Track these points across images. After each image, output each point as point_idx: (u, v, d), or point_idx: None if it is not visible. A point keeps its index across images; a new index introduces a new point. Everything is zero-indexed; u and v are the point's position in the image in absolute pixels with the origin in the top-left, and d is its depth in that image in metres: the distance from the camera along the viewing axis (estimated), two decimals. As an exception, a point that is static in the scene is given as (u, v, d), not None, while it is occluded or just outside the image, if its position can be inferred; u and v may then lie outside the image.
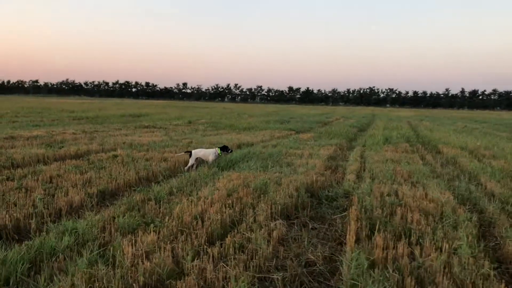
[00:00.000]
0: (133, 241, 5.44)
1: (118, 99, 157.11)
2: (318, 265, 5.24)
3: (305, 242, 5.93)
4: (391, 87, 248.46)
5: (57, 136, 18.17)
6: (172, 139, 18.98)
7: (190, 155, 11.77)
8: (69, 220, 7.09)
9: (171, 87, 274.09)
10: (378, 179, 10.62)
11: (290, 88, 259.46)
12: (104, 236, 5.74)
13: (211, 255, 5.06)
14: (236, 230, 6.01)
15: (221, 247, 5.36)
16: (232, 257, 5.08)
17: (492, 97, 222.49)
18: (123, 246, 5.19)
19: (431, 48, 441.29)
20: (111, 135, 19.88)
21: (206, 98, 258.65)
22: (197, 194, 8.10)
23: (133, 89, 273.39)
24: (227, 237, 5.71)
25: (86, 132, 20.84)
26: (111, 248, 5.19)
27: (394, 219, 6.73)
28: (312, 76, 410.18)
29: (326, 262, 5.38)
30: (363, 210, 7.16)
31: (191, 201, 7.27)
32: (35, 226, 6.36)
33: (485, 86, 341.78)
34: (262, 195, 7.99)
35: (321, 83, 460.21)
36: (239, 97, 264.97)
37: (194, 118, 39.15)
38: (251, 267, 4.83)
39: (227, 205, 7.10)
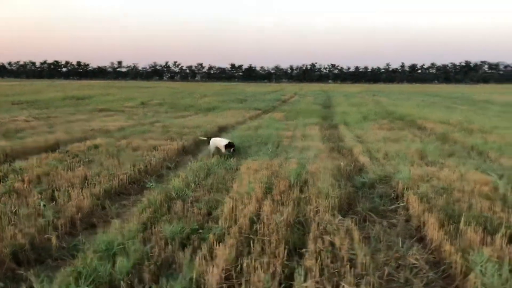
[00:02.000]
0: (207, 256, 4.53)
1: (48, 80, 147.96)
2: (424, 271, 4.58)
3: (383, 241, 5.26)
4: (332, 63, 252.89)
5: (9, 124, 16.36)
6: (141, 123, 17.68)
7: (209, 142, 11.63)
8: (85, 229, 6.07)
9: (105, 66, 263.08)
10: (394, 161, 10.18)
11: (232, 65, 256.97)
12: (165, 253, 4.76)
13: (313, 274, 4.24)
14: (309, 234, 5.21)
15: (312, 259, 4.54)
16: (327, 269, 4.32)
17: (430, 71, 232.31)
18: (203, 268, 4.27)
19: (372, 24, 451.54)
20: (69, 121, 18.22)
21: (143, 77, 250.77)
22: (230, 189, 7.25)
23: (63, 69, 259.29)
24: (306, 244, 4.93)
25: (39, 119, 19.00)
26: (193, 271, 4.22)
27: (462, 207, 6.21)
28: (254, 53, 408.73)
29: (431, 266, 4.73)
30: (420, 198, 6.61)
31: (235, 199, 6.37)
32: (56, 242, 5.24)
33: (423, 60, 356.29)
34: (304, 187, 7.23)
35: (264, 60, 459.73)
36: (178, 75, 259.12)
37: (145, 99, 37.34)
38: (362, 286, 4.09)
39: (277, 202, 6.29)
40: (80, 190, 7.22)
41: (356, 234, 5.16)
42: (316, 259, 4.46)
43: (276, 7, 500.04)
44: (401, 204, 6.69)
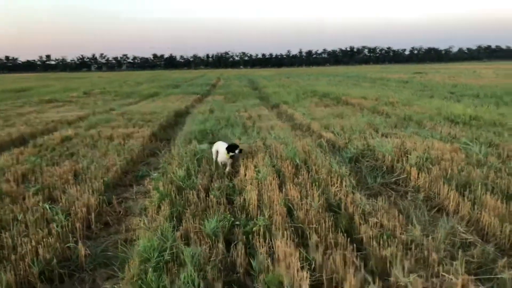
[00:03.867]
0: (274, 256, 3.57)
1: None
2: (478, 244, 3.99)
3: (415, 216, 4.62)
4: (243, 51, 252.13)
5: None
6: (97, 112, 15.69)
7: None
8: (101, 230, 4.80)
9: (34, 60, 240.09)
10: (355, 134, 9.67)
11: (155, 55, 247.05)
12: (222, 255, 3.72)
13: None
14: (354, 218, 4.41)
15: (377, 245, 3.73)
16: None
17: (323, 55, 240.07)
18: (279, 270, 3.30)
19: (273, 16, 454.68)
20: (22, 114, 15.69)
21: (72, 68, 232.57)
22: (236, 175, 6.21)
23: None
24: (359, 229, 4.14)
25: (-13, 112, 16.22)
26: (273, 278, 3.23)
27: (462, 175, 5.76)
28: (174, 43, 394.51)
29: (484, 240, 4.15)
30: (418, 169, 6.09)
31: (255, 185, 5.37)
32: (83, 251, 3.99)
33: (317, 46, 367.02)
34: (309, 166, 6.39)
35: (183, 50, 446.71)
36: (105, 66, 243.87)
37: (86, 88, 34.05)
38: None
39: (299, 185, 5.40)
40: (78, 186, 5.83)
41: (394, 212, 4.47)
42: (379, 244, 3.70)
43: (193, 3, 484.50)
44: (402, 176, 6.12)
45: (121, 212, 5.40)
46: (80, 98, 24.53)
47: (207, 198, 5.26)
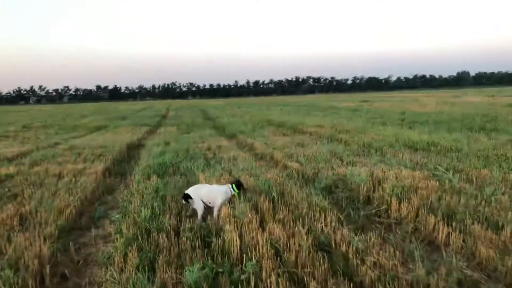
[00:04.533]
0: None
1: None
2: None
3: (409, 251, 4.37)
4: (190, 82, 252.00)
5: None
6: (41, 147, 14.48)
7: (189, 199, 5.77)
8: (58, 285, 4.09)
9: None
10: (320, 163, 9.49)
11: (98, 87, 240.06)
12: None
13: None
14: (350, 259, 4.05)
15: None
16: None
17: (270, 86, 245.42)
18: None
19: (219, 48, 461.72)
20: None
21: (9, 101, 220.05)
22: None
23: None
24: (356, 271, 3.78)
25: None
26: None
27: (443, 204, 5.62)
28: (119, 74, 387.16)
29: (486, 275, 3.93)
30: (397, 199, 5.90)
31: (233, 225, 4.88)
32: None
33: (264, 77, 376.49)
34: (287, 199, 5.99)
35: (128, 80, 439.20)
36: (45, 99, 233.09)
37: (25, 122, 32.00)
38: None
39: (281, 222, 4.98)
40: (26, 233, 5.05)
41: (389, 249, 4.17)
42: None
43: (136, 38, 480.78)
44: (383, 207, 5.89)
45: (80, 262, 4.69)
46: (19, 132, 22.81)
47: (179, 241, 4.71)
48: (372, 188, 6.56)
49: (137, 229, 5.11)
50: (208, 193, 5.77)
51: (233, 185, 5.88)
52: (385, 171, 7.89)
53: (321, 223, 4.83)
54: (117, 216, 5.74)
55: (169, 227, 5.14)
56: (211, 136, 16.88)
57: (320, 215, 5.10)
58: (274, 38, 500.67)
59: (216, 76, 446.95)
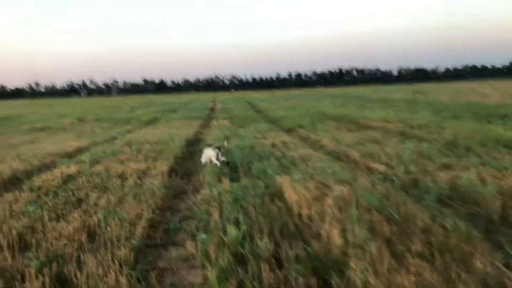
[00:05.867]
0: None
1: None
2: None
3: None
4: (233, 74, 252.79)
5: None
6: (98, 142, 14.01)
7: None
8: None
9: (23, 87, 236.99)
10: (415, 165, 8.12)
11: (145, 80, 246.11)
12: None
13: None
14: None
15: None
16: None
17: (312, 77, 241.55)
18: None
19: (253, 40, 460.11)
20: (14, 145, 13.97)
21: (62, 95, 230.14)
22: (314, 235, 4.55)
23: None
24: None
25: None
26: None
27: None
28: (164, 67, 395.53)
29: None
30: None
31: (359, 258, 3.74)
32: None
33: (305, 69, 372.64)
34: (407, 224, 4.76)
35: (173, 74, 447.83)
36: (95, 92, 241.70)
37: (79, 115, 32.31)
38: None
39: (421, 256, 3.78)
40: (98, 255, 4.17)
41: None
42: None
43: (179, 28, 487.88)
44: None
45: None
46: (74, 125, 22.81)
47: (286, 275, 3.64)
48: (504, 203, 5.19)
49: (229, 253, 4.09)
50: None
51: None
52: (502, 177, 6.47)
53: (480, 261, 3.57)
54: (203, 236, 4.72)
55: (267, 253, 4.08)
56: (269, 130, 15.79)
57: (468, 246, 3.84)
58: (315, 26, 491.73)
59: (257, 68, 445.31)
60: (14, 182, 7.96)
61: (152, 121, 24.20)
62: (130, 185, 7.24)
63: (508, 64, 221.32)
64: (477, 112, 19.67)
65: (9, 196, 6.61)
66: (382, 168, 8.18)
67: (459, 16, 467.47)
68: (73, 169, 8.54)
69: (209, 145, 9.71)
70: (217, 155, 8.83)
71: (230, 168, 8.10)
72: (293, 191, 6.03)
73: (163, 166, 8.81)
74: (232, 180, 7.52)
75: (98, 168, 8.77)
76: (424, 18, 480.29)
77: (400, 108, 26.05)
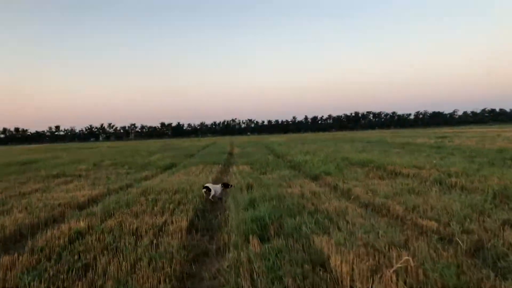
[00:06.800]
0: None
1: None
2: None
3: None
4: (249, 118, 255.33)
5: None
6: (111, 190, 13.22)
7: (209, 190, 10.81)
8: None
9: (43, 131, 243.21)
10: (470, 222, 7.03)
11: (162, 124, 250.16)
12: None
13: None
14: None
15: None
16: None
17: (328, 121, 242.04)
18: None
19: (269, 84, 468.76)
20: (24, 194, 13.25)
21: (81, 138, 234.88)
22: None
23: (1, 136, 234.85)
24: None
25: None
26: None
27: None
28: (181, 111, 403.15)
29: None
30: None
31: None
32: None
33: (321, 112, 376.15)
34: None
35: (190, 117, 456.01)
36: (113, 136, 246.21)
37: (96, 160, 31.91)
38: None
39: None
40: None
41: None
42: None
43: (198, 69, 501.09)
44: None
45: None
46: (90, 171, 22.16)
47: None
48: None
49: None
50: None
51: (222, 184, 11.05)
52: None
53: None
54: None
55: None
56: (294, 177, 14.79)
57: None
58: (331, 71, 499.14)
59: (273, 112, 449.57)
60: (17, 239, 7.09)
61: (169, 167, 23.49)
62: (145, 245, 6.28)
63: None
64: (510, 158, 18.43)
65: (6, 259, 5.70)
66: (433, 225, 7.09)
67: (475, 61, 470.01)
68: (82, 224, 7.64)
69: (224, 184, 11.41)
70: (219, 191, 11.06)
71: (258, 225, 7.08)
72: (340, 258, 4.98)
73: (181, 221, 7.85)
74: (261, 239, 6.51)
75: (110, 222, 7.85)
76: (443, 64, 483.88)
77: (427, 153, 24.87)
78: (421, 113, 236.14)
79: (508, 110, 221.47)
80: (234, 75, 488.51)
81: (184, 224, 7.62)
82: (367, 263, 4.66)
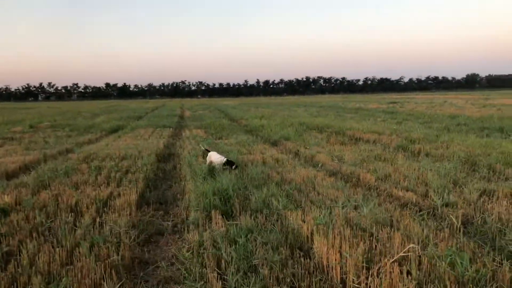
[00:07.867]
0: None
1: None
2: None
3: None
4: (200, 80, 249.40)
5: None
6: (49, 156, 11.70)
7: (206, 155, 9.43)
8: None
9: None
10: (447, 192, 6.61)
11: (107, 84, 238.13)
12: None
13: None
14: None
15: None
16: None
17: (280, 85, 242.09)
18: None
19: (227, 46, 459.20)
20: None
21: (17, 98, 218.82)
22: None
23: None
24: None
25: None
26: None
27: None
28: (128, 72, 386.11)
29: None
30: None
31: None
32: None
33: (274, 76, 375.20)
34: None
35: (137, 79, 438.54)
36: (54, 96, 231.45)
37: (33, 121, 29.16)
38: None
39: None
40: None
41: None
42: None
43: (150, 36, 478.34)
44: None
45: None
46: (25, 133, 20.02)
47: None
48: None
49: None
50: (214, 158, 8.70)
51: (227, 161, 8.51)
52: None
53: None
54: None
55: None
56: (253, 143, 13.96)
57: None
58: (283, 36, 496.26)
59: (225, 75, 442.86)
60: None
61: (115, 129, 21.85)
62: (86, 224, 5.23)
63: (465, 76, 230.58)
64: (467, 125, 18.71)
65: None
66: (411, 196, 6.58)
67: (420, 31, 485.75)
68: (7, 198, 6.37)
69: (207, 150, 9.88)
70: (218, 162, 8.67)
71: (221, 199, 6.20)
72: (323, 241, 4.24)
73: (130, 192, 6.80)
74: (226, 215, 5.66)
75: (44, 196, 6.64)
76: (391, 32, 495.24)
77: (382, 118, 24.97)
78: (369, 79, 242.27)
79: (450, 78, 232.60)
80: (184, 36, 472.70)
81: (134, 197, 6.59)
82: (357, 248, 3.95)
